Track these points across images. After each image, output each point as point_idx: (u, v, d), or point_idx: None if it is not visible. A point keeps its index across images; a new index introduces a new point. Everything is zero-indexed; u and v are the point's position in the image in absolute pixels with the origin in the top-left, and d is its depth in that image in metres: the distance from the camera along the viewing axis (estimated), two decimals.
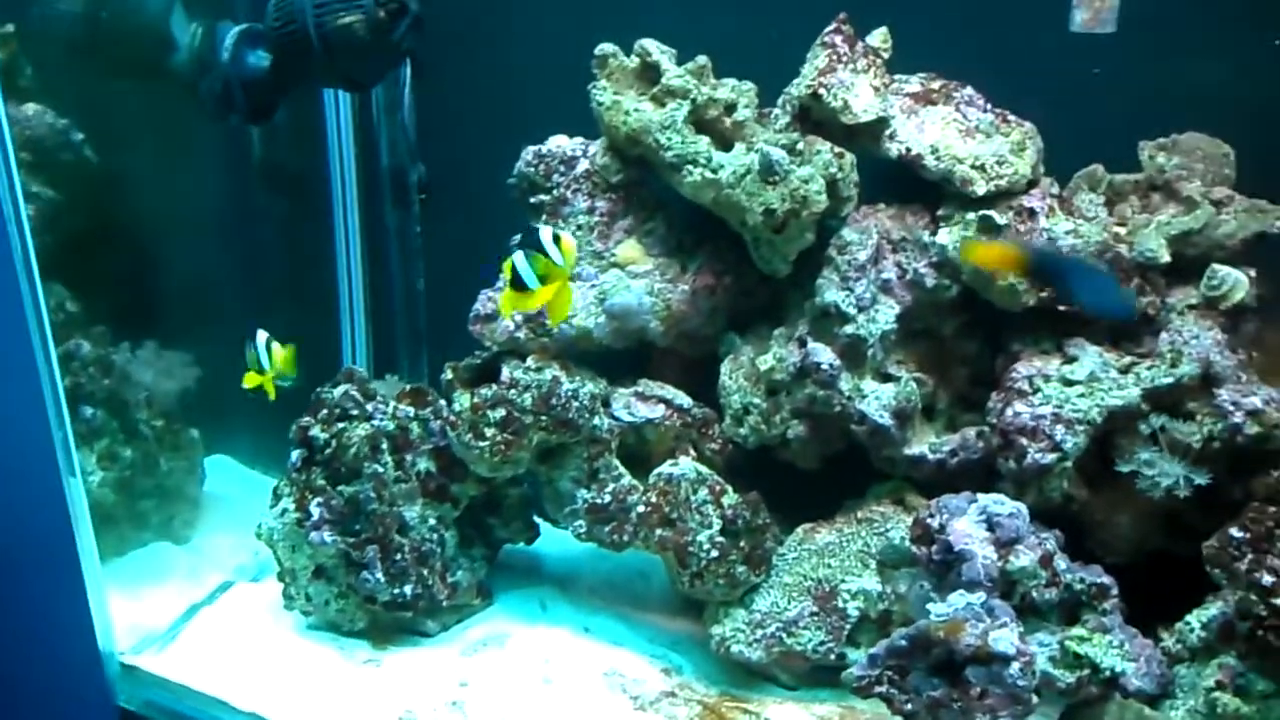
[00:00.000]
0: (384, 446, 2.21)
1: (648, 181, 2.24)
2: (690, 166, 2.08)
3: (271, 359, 2.08)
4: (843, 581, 2.14)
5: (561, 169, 2.24)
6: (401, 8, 2.08)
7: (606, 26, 2.26)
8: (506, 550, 2.52)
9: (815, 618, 2.13)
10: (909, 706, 1.84)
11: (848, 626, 2.12)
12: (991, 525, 1.90)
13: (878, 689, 1.88)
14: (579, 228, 2.23)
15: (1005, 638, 1.79)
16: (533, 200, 2.26)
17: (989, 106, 2.08)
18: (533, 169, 2.25)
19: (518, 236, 1.88)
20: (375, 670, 2.20)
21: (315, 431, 2.22)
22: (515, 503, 2.44)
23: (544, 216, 2.25)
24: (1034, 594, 1.87)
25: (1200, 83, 1.96)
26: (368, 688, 2.14)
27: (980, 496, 1.94)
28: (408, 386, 2.31)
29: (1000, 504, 1.90)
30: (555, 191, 2.24)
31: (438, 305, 2.69)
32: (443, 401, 2.28)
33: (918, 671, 1.86)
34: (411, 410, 2.27)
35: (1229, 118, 1.97)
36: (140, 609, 2.38)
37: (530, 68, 2.43)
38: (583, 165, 2.23)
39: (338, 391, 2.25)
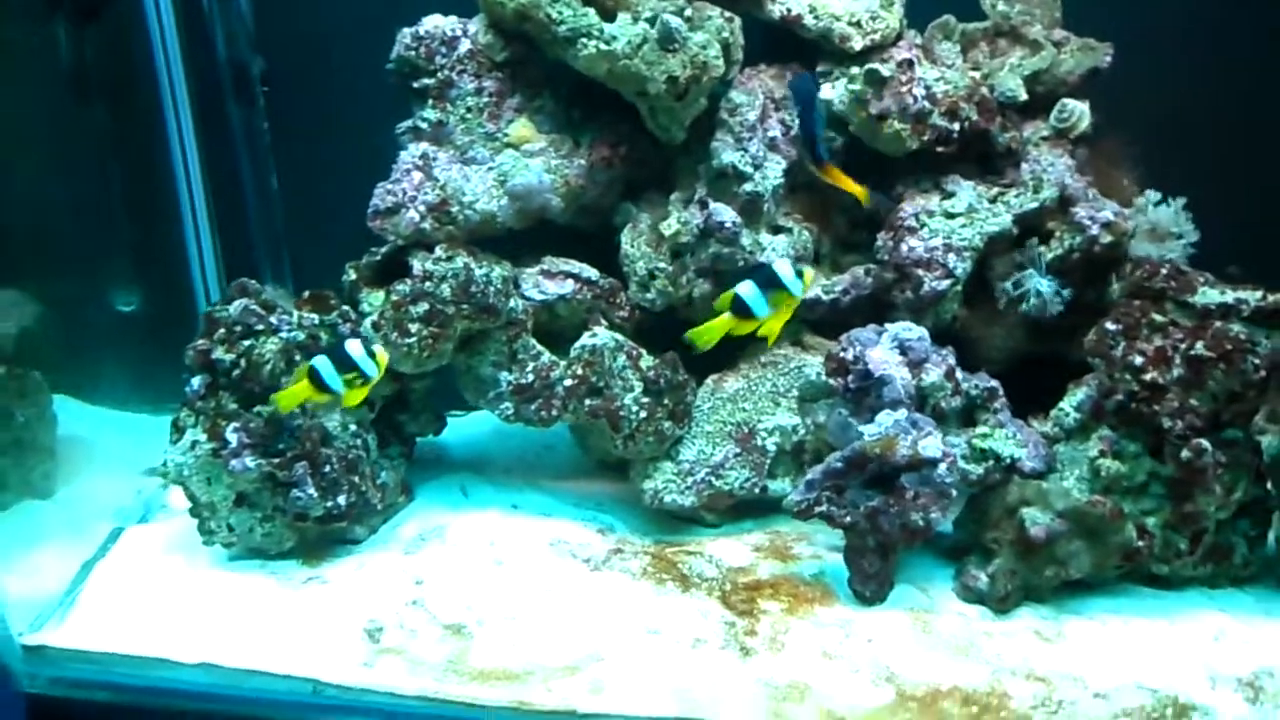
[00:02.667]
0: (298, 358, 2.12)
1: (533, 58, 2.22)
2: (584, 39, 2.08)
3: (377, 361, 1.88)
4: (759, 421, 2.32)
5: (443, 50, 2.17)
6: None
7: None
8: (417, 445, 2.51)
9: (739, 458, 2.30)
10: (849, 519, 2.08)
11: (767, 462, 2.32)
12: (904, 350, 2.13)
13: (818, 509, 2.10)
14: (469, 110, 2.19)
15: (933, 444, 2.05)
16: (415, 85, 2.18)
17: None
18: (413, 52, 2.17)
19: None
20: (322, 587, 2.15)
21: (219, 354, 2.09)
22: (422, 396, 2.42)
23: (429, 101, 2.18)
24: (942, 404, 2.13)
25: None
26: (321, 605, 2.07)
27: (888, 326, 2.16)
28: (306, 293, 2.21)
29: (909, 330, 2.14)
30: (440, 74, 2.17)
31: (292, 205, 2.54)
32: (346, 307, 2.21)
33: (854, 488, 2.09)
34: (317, 317, 2.18)
35: None
36: (23, 579, 2.17)
37: None
38: (465, 45, 2.18)
39: (234, 307, 2.12)
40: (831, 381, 2.19)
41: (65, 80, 2.32)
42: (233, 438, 2.07)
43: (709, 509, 2.35)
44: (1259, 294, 1.96)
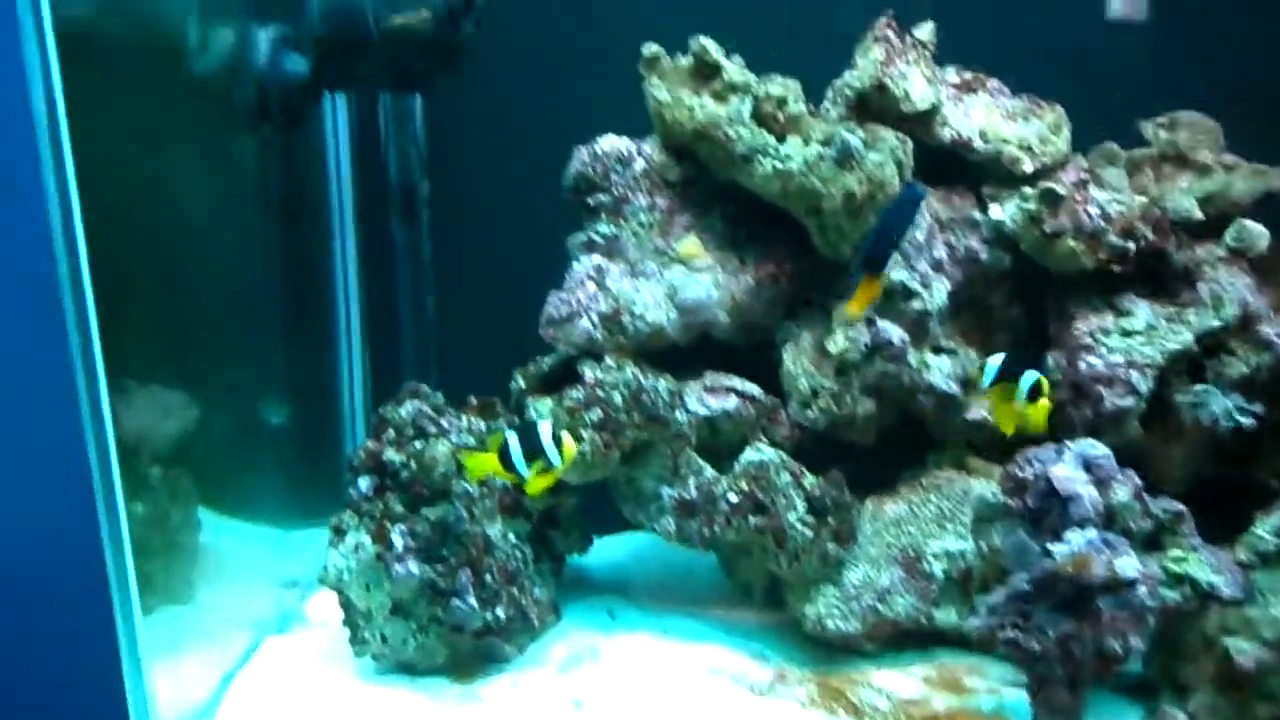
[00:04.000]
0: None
1: (703, 178, 2.27)
2: (761, 157, 2.14)
3: (561, 451, 1.80)
4: (925, 545, 2.24)
5: (618, 168, 2.23)
6: (469, 2, 2.02)
7: (611, 37, 2.27)
8: None
9: (905, 583, 2.21)
10: (1037, 646, 1.96)
11: (934, 589, 2.22)
12: (1089, 467, 2.05)
13: (1002, 635, 1.99)
14: (640, 225, 2.23)
15: (1130, 564, 1.95)
16: (591, 201, 2.23)
17: (1011, 93, 2.28)
18: (589, 169, 2.23)
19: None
20: (479, 706, 2.05)
21: (390, 455, 2.07)
22: (571, 512, 2.38)
23: (603, 215, 2.23)
24: (1131, 524, 2.04)
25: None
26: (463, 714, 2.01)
27: (1069, 444, 2.10)
28: (474, 400, 2.20)
29: (1094, 446, 2.07)
30: (615, 190, 2.22)
31: (448, 326, 2.57)
32: (513, 416, 2.20)
33: (1042, 613, 1.99)
34: (484, 423, 2.16)
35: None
36: (166, 686, 2.10)
37: (539, 78, 2.41)
38: (639, 164, 2.24)
39: (405, 410, 2.11)
40: (1009, 501, 2.11)
41: (253, 193, 2.40)
42: (398, 541, 2.02)
43: (871, 638, 2.24)
44: None
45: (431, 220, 2.50)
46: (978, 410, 2.27)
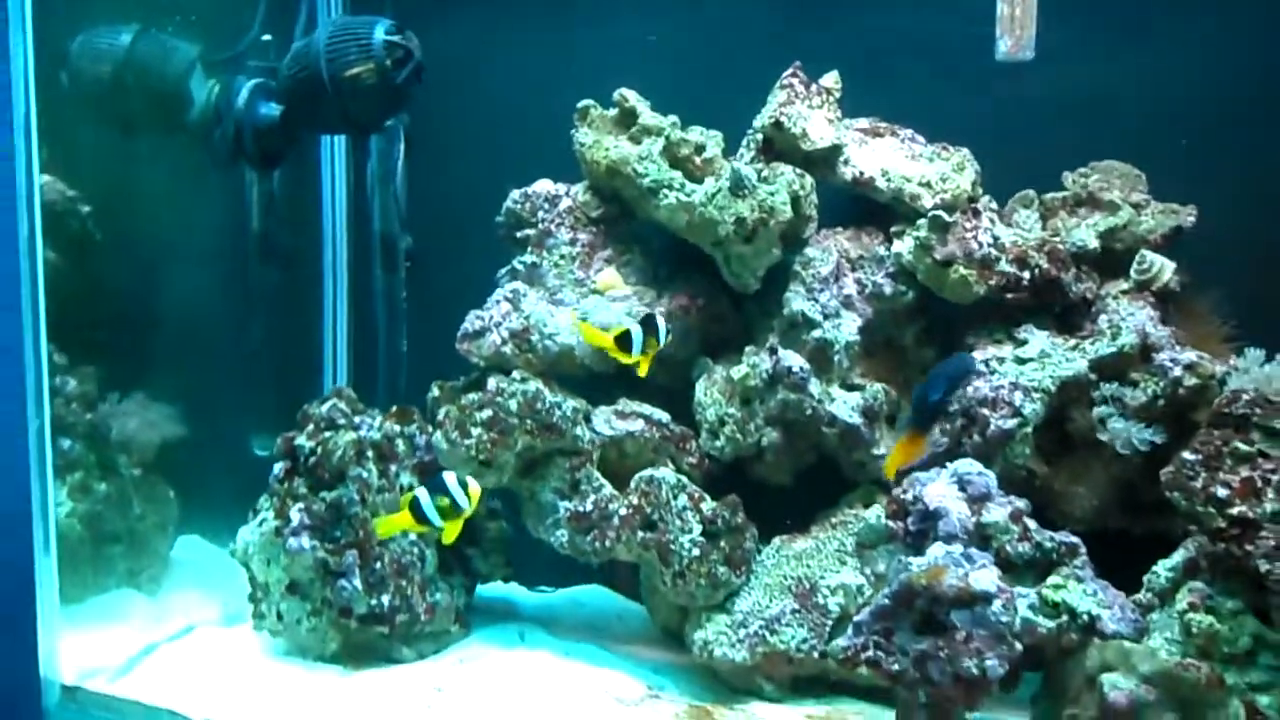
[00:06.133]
0: (369, 454, 2.26)
1: (625, 217, 2.44)
2: (665, 190, 2.29)
3: (468, 493, 1.92)
4: (822, 578, 2.18)
5: (546, 206, 2.44)
6: (407, 54, 2.34)
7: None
8: (485, 596, 2.53)
9: (797, 615, 2.15)
10: (896, 666, 1.86)
11: (829, 623, 2.15)
12: (962, 485, 1.99)
13: (864, 655, 1.90)
14: (562, 257, 2.40)
15: (985, 578, 1.85)
16: (518, 234, 2.44)
17: (925, 141, 2.35)
18: (519, 205, 2.45)
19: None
20: (348, 681, 2.15)
21: (300, 440, 2.27)
22: (494, 535, 2.47)
23: (528, 247, 2.42)
24: (1008, 548, 1.94)
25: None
26: (334, 693, 2.10)
27: (949, 464, 2.04)
28: (394, 408, 2.39)
29: (969, 465, 2.01)
30: (540, 225, 2.43)
31: (417, 366, 2.79)
32: (425, 422, 2.36)
33: (902, 631, 1.90)
34: (398, 426, 2.34)
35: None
36: (93, 645, 2.29)
37: (508, 149, 2.67)
38: (565, 203, 2.44)
39: (325, 405, 2.31)
40: (892, 525, 2.06)
41: (253, 241, 2.76)
42: (295, 516, 2.19)
43: (767, 676, 2.17)
44: None
45: (410, 273, 2.76)
46: (886, 447, 2.24)
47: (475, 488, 1.90)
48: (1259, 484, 1.75)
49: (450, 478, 1.90)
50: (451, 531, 1.92)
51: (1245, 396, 1.83)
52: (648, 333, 1.99)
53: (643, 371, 2.02)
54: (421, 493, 1.90)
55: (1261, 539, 1.72)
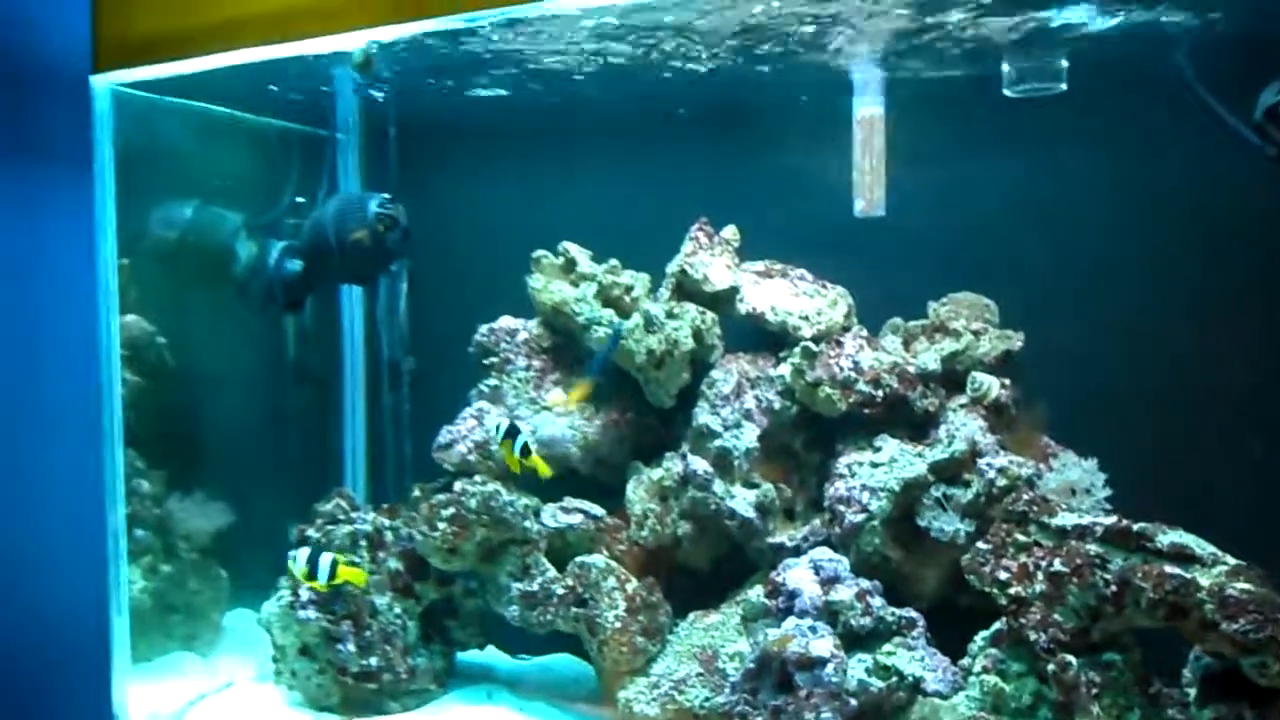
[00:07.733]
0: (362, 543, 2.82)
1: (569, 346, 2.98)
2: (596, 326, 2.83)
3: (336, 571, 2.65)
4: (723, 646, 2.63)
5: (507, 338, 3.00)
6: (394, 222, 2.94)
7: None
8: (468, 662, 3.04)
9: (700, 677, 2.60)
10: (760, 719, 2.31)
11: (726, 684, 2.59)
12: (817, 570, 2.44)
13: (737, 710, 2.36)
14: (520, 380, 2.95)
15: (823, 646, 2.31)
16: (485, 361, 3.00)
17: (812, 279, 2.84)
18: (485, 338, 3.02)
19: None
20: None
21: (310, 532, 2.84)
22: (472, 611, 2.99)
23: (492, 372, 2.98)
24: (852, 622, 2.37)
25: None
26: None
27: (811, 553, 2.49)
28: (385, 506, 2.95)
29: (823, 553, 2.47)
30: (501, 354, 2.98)
31: (419, 467, 3.35)
32: (411, 515, 2.91)
33: (765, 689, 2.35)
34: (387, 520, 2.90)
35: None
36: (156, 694, 2.89)
37: (491, 287, 3.25)
38: (522, 335, 2.99)
39: (330, 504, 2.89)
40: (768, 603, 2.51)
41: (289, 368, 3.40)
42: (304, 595, 2.74)
43: None
44: (1113, 519, 2.13)
45: (413, 389, 3.35)
46: (780, 536, 2.70)
47: (345, 570, 2.63)
48: (1031, 569, 2.16)
49: (324, 559, 2.63)
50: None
51: (1026, 496, 2.25)
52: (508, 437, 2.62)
53: (544, 471, 2.64)
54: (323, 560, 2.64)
55: (1030, 614, 2.13)
